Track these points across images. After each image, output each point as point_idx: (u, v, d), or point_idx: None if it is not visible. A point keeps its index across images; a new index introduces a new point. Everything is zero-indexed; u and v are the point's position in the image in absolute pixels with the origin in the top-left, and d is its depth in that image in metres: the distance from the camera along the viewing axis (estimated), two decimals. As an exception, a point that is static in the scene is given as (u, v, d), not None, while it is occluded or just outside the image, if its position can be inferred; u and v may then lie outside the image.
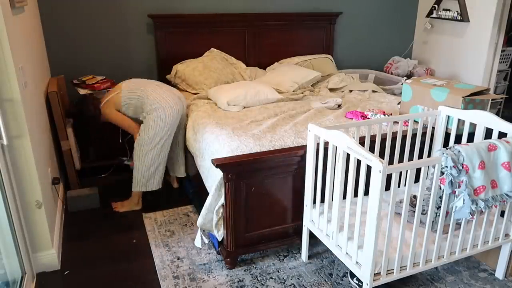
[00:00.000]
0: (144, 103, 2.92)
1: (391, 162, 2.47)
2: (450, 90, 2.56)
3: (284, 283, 2.36)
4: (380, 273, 1.95)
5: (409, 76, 4.39)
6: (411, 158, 2.59)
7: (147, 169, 2.96)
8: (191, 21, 3.86)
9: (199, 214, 2.45)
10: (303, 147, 2.36)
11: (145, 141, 2.90)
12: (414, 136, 2.55)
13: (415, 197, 2.31)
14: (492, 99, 2.75)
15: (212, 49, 3.95)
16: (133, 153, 2.98)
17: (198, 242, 2.54)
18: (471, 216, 1.92)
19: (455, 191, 1.91)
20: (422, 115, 2.54)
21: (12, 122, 2.11)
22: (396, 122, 2.66)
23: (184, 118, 3.16)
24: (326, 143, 2.16)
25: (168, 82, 3.69)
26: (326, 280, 2.39)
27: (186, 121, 3.14)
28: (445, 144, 2.55)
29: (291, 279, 2.39)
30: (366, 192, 1.96)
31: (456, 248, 2.12)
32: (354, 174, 1.98)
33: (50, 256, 2.42)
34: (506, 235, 2.28)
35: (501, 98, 4.48)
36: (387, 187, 2.24)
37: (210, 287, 2.32)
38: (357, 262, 2.01)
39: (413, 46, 4.90)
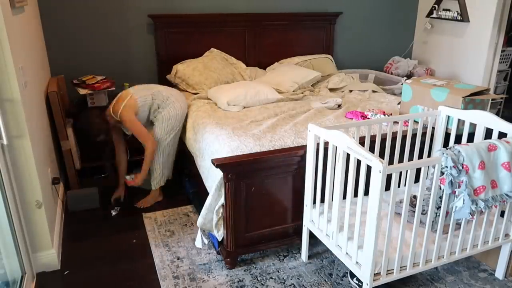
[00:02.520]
0: (158, 99, 3.01)
1: (391, 162, 2.47)
2: (450, 90, 2.56)
3: (284, 283, 2.36)
4: (380, 273, 1.95)
5: (409, 76, 4.38)
6: (411, 158, 2.59)
7: (164, 166, 3.13)
8: (191, 21, 3.86)
9: (199, 214, 2.46)
10: (303, 147, 2.36)
11: (162, 137, 3.04)
12: (414, 136, 2.55)
13: (415, 197, 2.31)
14: (492, 99, 2.75)
15: (212, 49, 3.95)
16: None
17: (198, 243, 2.54)
18: (471, 216, 1.92)
19: (455, 191, 1.91)
20: (422, 115, 2.54)
21: (12, 122, 2.11)
22: (396, 122, 2.66)
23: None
24: (326, 143, 2.16)
25: (168, 82, 3.69)
26: (326, 280, 2.39)
27: (185, 121, 3.14)
28: (445, 144, 2.54)
29: (291, 279, 2.39)
30: (366, 192, 1.96)
31: (456, 248, 2.12)
32: (354, 174, 1.98)
33: (50, 256, 2.42)
34: (506, 235, 2.28)
35: (501, 98, 4.47)
36: (387, 187, 2.24)
37: (210, 287, 2.32)
38: (357, 262, 2.01)
39: (413, 46, 4.90)
